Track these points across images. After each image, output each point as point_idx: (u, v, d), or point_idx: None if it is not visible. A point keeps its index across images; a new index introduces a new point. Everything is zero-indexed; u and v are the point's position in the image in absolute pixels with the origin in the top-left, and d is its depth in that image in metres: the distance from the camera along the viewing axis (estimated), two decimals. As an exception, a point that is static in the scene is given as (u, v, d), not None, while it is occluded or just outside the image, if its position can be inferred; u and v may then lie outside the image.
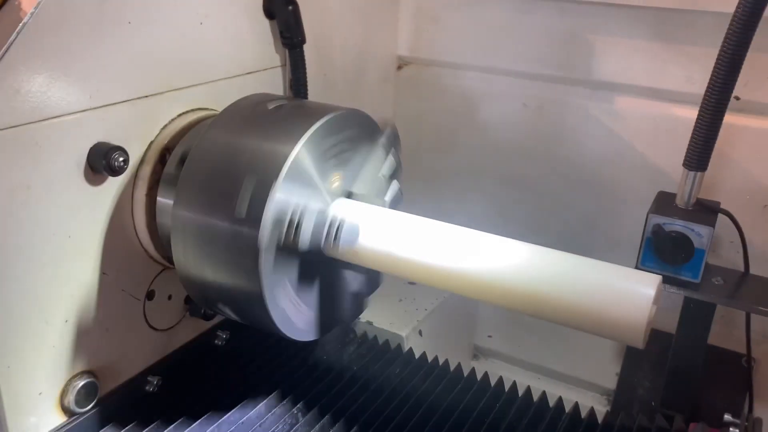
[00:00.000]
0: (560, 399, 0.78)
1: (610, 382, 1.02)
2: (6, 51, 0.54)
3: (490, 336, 1.12)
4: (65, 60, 0.58)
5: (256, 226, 0.57)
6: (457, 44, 1.03)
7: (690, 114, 0.89)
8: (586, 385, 1.06)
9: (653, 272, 0.81)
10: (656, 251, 0.79)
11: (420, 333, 0.93)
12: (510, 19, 0.98)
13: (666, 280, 0.80)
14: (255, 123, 0.63)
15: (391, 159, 0.69)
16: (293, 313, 0.64)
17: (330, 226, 0.63)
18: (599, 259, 0.99)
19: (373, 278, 0.71)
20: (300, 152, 0.59)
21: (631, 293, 0.53)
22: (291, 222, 0.60)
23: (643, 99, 0.93)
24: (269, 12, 0.79)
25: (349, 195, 0.67)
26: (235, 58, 0.76)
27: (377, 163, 0.68)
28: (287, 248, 0.60)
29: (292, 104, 0.66)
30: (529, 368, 1.10)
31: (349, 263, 0.65)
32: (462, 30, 1.02)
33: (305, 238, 0.61)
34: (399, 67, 1.09)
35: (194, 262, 0.63)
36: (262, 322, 0.63)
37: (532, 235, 1.03)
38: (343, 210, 0.64)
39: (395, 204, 0.68)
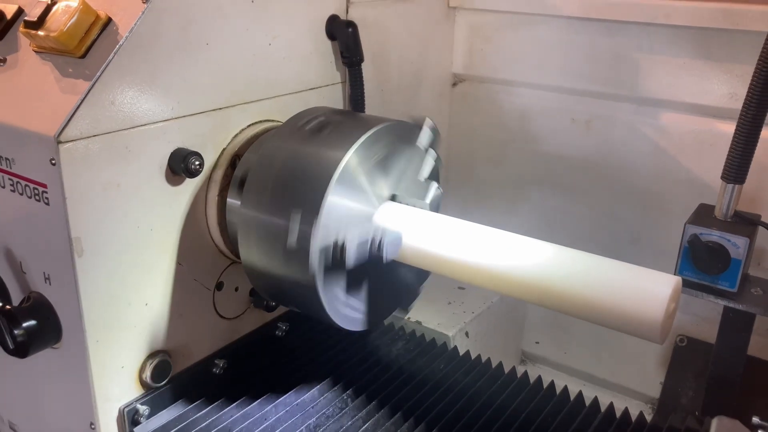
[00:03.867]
0: (611, 405, 0.81)
1: (655, 391, 1.05)
2: (105, 68, 0.63)
3: (537, 342, 1.16)
4: (153, 76, 0.67)
5: (306, 257, 0.65)
6: (509, 62, 1.09)
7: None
8: (630, 392, 1.08)
9: (690, 281, 0.84)
10: (693, 260, 0.82)
11: (467, 334, 0.98)
12: (559, 38, 1.03)
13: (703, 289, 0.83)
14: (309, 136, 0.70)
15: (429, 161, 0.74)
16: (348, 308, 0.71)
17: (373, 240, 0.70)
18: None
19: (420, 273, 0.77)
20: (350, 160, 0.66)
21: (649, 291, 0.57)
22: (335, 245, 0.67)
23: (687, 115, 0.96)
24: (331, 34, 0.87)
25: (393, 198, 0.73)
26: (299, 75, 0.84)
27: (417, 166, 0.74)
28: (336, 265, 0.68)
29: (340, 119, 0.73)
30: (574, 374, 1.13)
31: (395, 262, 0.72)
32: (514, 48, 1.08)
33: (350, 256, 0.68)
34: (454, 84, 1.15)
35: (257, 258, 0.71)
36: (319, 315, 0.70)
37: (578, 245, 1.08)
38: (385, 218, 0.70)
39: (436, 204, 0.74)
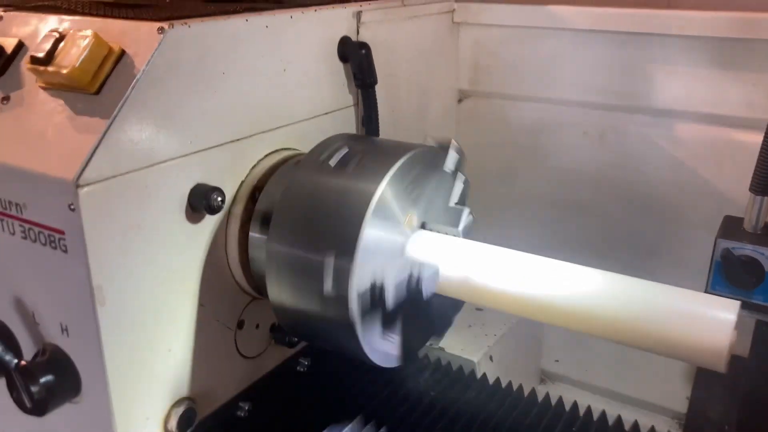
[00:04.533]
0: (636, 423, 0.80)
1: (681, 406, 1.03)
2: (123, 104, 0.59)
3: (557, 360, 1.14)
4: (170, 110, 0.64)
5: (344, 303, 0.61)
6: (516, 76, 1.07)
7: (751, 138, 0.91)
8: (656, 408, 1.06)
9: (724, 296, 0.83)
10: (726, 276, 0.80)
11: (491, 358, 0.95)
12: (569, 51, 1.01)
13: (737, 304, 0.81)
14: (336, 168, 0.67)
15: (459, 185, 0.72)
16: (384, 345, 0.68)
17: (410, 276, 0.67)
18: (665, 283, 1.01)
19: (456, 303, 0.74)
20: (385, 189, 0.63)
21: (713, 318, 0.55)
22: (374, 286, 0.64)
23: (703, 125, 0.95)
24: (343, 56, 0.84)
25: (423, 226, 0.70)
26: (313, 100, 0.81)
27: (447, 192, 0.72)
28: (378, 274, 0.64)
29: (365, 147, 0.70)
30: (597, 392, 1.11)
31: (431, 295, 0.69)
32: (521, 62, 1.06)
33: (389, 297, 0.65)
34: (460, 100, 1.13)
35: (288, 298, 0.67)
36: (356, 355, 0.67)
37: (595, 261, 1.05)
38: (419, 250, 0.67)
39: (468, 230, 0.72)
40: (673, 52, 0.93)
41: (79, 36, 0.61)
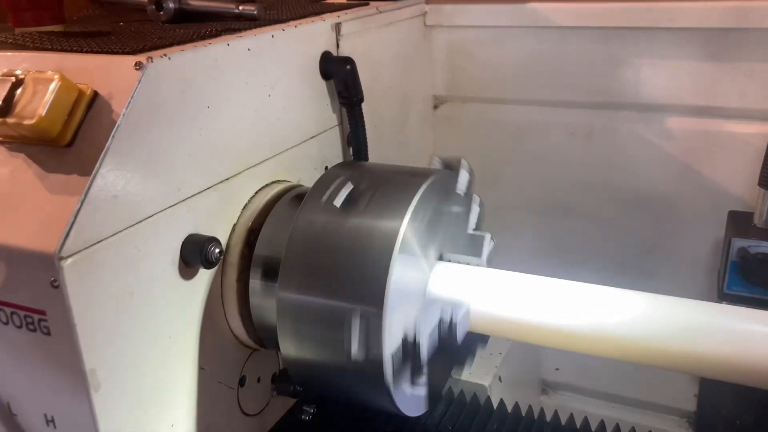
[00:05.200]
0: (633, 429, 0.76)
1: (690, 404, 1.01)
2: (104, 156, 0.50)
3: (557, 369, 1.10)
4: (155, 156, 0.55)
5: (379, 301, 0.55)
6: (495, 78, 1.02)
7: (745, 129, 0.89)
8: (664, 409, 1.04)
9: (741, 295, 0.80)
10: (743, 275, 0.78)
11: (500, 379, 0.90)
12: (549, 49, 0.97)
13: (756, 303, 0.79)
14: (345, 207, 0.60)
15: (475, 208, 0.66)
16: (413, 393, 0.62)
17: (441, 322, 0.61)
18: (664, 280, 0.99)
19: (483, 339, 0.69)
20: (407, 227, 0.57)
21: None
22: (406, 341, 0.58)
23: (694, 118, 0.92)
24: (325, 73, 0.76)
25: (441, 257, 0.64)
26: (299, 124, 0.74)
27: (461, 216, 0.66)
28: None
29: (374, 179, 0.64)
30: (601, 398, 1.08)
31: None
32: (498, 64, 1.01)
33: (424, 350, 0.59)
34: (435, 107, 1.07)
35: (304, 344, 0.60)
36: (378, 402, 0.61)
37: (590, 263, 1.03)
38: (443, 286, 0.61)
39: (491, 258, 0.66)
40: (660, 46, 0.90)
41: (41, 78, 0.51)
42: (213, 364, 0.65)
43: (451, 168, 0.68)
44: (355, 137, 0.80)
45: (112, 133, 0.51)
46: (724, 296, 0.80)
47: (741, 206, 0.87)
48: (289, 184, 0.71)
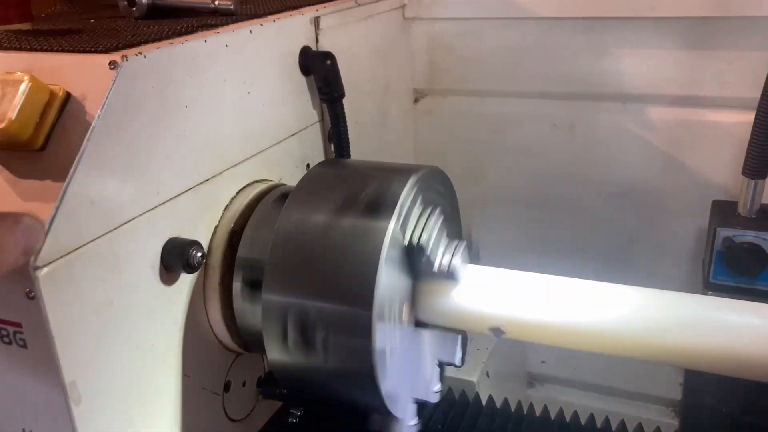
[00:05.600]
0: (623, 422, 0.76)
1: (675, 393, 1.01)
2: (78, 162, 0.48)
3: (543, 362, 1.10)
4: (133, 158, 0.53)
5: (368, 300, 0.53)
6: (476, 71, 1.00)
7: (726, 118, 0.89)
8: (649, 398, 1.04)
9: (726, 285, 0.80)
10: (728, 264, 0.78)
11: (487, 374, 0.90)
12: (531, 40, 0.96)
13: (742, 293, 0.79)
14: (338, 196, 0.59)
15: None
16: (397, 389, 0.61)
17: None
18: (648, 272, 0.99)
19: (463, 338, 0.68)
20: (395, 226, 0.55)
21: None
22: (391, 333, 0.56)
23: (676, 107, 0.92)
24: (305, 68, 0.75)
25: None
26: (279, 122, 0.72)
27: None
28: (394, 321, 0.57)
29: (367, 170, 0.63)
30: (587, 389, 1.08)
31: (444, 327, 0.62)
32: (479, 56, 1.00)
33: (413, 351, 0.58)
34: (416, 100, 1.06)
35: (291, 347, 0.58)
36: (367, 402, 0.59)
37: (574, 256, 1.02)
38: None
39: (476, 255, 0.65)
40: (642, 35, 0.89)
41: (10, 80, 0.49)
42: (197, 370, 0.63)
43: None
44: (336, 134, 0.78)
45: (87, 136, 0.49)
46: (709, 286, 0.80)
47: (724, 196, 0.88)
48: (270, 183, 0.69)
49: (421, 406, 0.66)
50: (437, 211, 0.61)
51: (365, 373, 0.55)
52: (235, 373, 0.68)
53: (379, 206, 0.56)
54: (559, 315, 0.55)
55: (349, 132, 0.80)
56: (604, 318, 0.53)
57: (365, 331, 0.54)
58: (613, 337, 0.53)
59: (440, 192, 0.65)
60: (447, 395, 0.82)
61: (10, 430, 0.54)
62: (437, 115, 1.05)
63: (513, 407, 0.80)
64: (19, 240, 0.43)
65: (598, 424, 0.78)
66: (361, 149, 0.89)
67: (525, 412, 0.79)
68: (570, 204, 1.00)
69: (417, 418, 0.65)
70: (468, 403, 0.81)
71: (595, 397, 1.06)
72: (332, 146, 0.79)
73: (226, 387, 0.68)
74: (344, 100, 0.79)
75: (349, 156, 0.79)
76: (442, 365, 0.69)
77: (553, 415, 0.78)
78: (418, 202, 0.59)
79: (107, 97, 0.50)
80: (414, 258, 0.58)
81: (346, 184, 0.60)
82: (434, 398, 0.65)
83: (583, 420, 0.77)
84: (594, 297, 0.55)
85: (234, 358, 0.68)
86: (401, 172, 0.60)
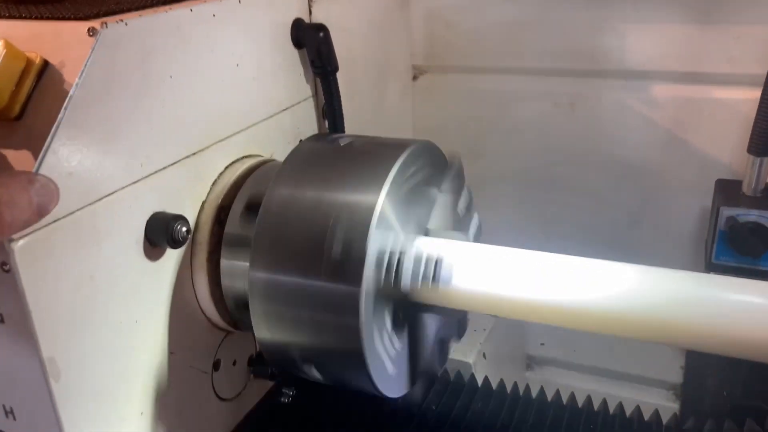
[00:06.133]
0: (621, 405, 0.75)
1: (676, 376, 1.00)
2: (56, 129, 0.47)
3: (542, 344, 1.09)
4: (114, 129, 0.51)
5: (357, 275, 0.52)
6: (476, 47, 0.98)
7: (733, 95, 0.87)
8: (650, 381, 1.03)
9: (729, 265, 0.78)
10: (731, 244, 0.76)
11: (484, 356, 0.88)
12: (530, 15, 0.93)
13: (745, 273, 0.77)
14: (328, 169, 0.57)
15: (466, 192, 0.64)
16: (387, 368, 0.59)
17: (426, 266, 0.58)
18: (650, 252, 0.97)
19: (461, 323, 0.66)
20: (385, 197, 0.54)
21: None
22: (389, 267, 0.55)
23: (681, 84, 0.90)
24: (297, 41, 0.73)
25: (426, 233, 0.62)
26: (271, 96, 0.70)
27: (451, 198, 0.63)
28: (383, 297, 0.55)
29: (357, 144, 0.61)
30: (587, 371, 1.07)
31: (439, 308, 0.60)
32: (478, 31, 0.97)
33: (405, 283, 0.56)
34: (414, 77, 1.04)
35: (279, 325, 0.57)
36: (357, 381, 0.58)
37: (574, 236, 1.00)
38: (432, 249, 0.58)
39: (477, 239, 0.64)
40: (646, 9, 0.87)
41: (-19, 46, 0.47)
42: (184, 348, 0.62)
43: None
44: (330, 109, 0.76)
45: (65, 105, 0.47)
46: (711, 266, 0.78)
47: (729, 175, 0.85)
48: (261, 158, 0.67)
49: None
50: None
51: (353, 353, 0.54)
52: (225, 351, 0.67)
53: (369, 180, 0.55)
54: (553, 293, 0.53)
55: (344, 108, 0.79)
56: (599, 296, 0.51)
57: (353, 309, 0.52)
58: (608, 315, 0.51)
59: (436, 167, 0.63)
60: (442, 376, 0.81)
61: (-9, 406, 0.53)
62: (436, 92, 1.03)
63: (509, 389, 0.78)
64: (32, 199, 0.42)
65: (596, 407, 0.76)
66: (358, 126, 0.87)
67: (521, 394, 0.78)
68: (571, 183, 0.98)
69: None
70: (463, 384, 0.79)
71: (594, 379, 1.05)
72: (326, 122, 0.78)
73: (216, 366, 0.66)
74: (339, 75, 0.77)
75: (343, 131, 0.78)
76: (443, 341, 0.68)
77: (549, 397, 0.77)
78: (410, 175, 0.57)
79: (85, 66, 0.48)
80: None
81: (335, 158, 0.59)
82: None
83: (580, 402, 0.76)
84: (590, 274, 0.54)
85: (224, 337, 0.67)
86: (393, 146, 0.59)
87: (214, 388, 0.67)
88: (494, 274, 0.56)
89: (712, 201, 0.83)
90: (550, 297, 0.54)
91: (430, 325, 0.64)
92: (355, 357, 0.54)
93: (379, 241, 0.53)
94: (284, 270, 0.55)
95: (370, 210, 0.53)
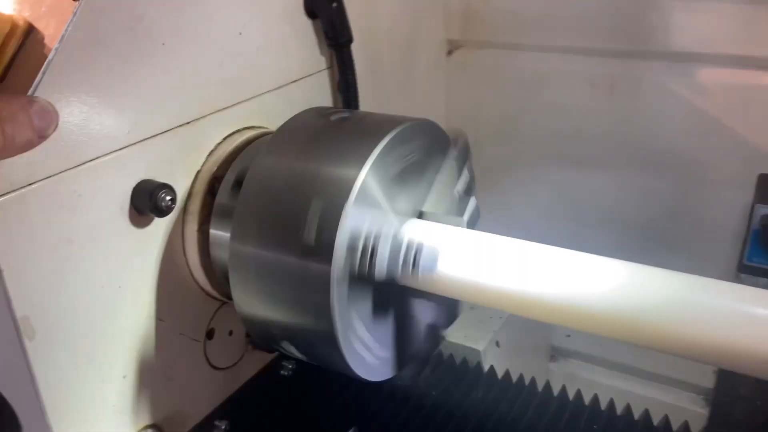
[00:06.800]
0: (647, 411, 0.71)
1: (707, 381, 0.94)
2: (34, 91, 0.47)
3: (568, 336, 1.05)
4: (99, 94, 0.52)
5: (328, 254, 0.50)
6: (514, 22, 0.94)
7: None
8: (679, 384, 0.97)
9: (761, 267, 0.73)
10: (765, 245, 0.70)
11: (497, 344, 0.86)
12: (572, -10, 0.88)
13: (777, 277, 0.71)
14: (314, 144, 0.56)
15: (465, 173, 0.61)
16: (366, 351, 0.58)
17: (407, 251, 0.56)
18: (687, 247, 0.91)
19: (451, 308, 0.64)
20: (368, 174, 0.52)
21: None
22: (365, 249, 0.53)
23: (729, 69, 0.83)
24: (311, 11, 0.71)
25: (420, 215, 0.60)
26: (278, 67, 0.69)
27: (450, 179, 0.61)
28: (361, 279, 0.54)
29: (352, 119, 0.59)
30: (613, 368, 1.02)
31: (426, 293, 0.58)
32: (518, 6, 0.93)
33: (381, 266, 0.54)
34: (449, 52, 1.00)
35: (257, 300, 0.57)
36: (333, 362, 0.57)
37: (606, 226, 0.96)
38: (418, 233, 0.57)
39: (473, 223, 0.61)
40: (694, -13, 0.81)
41: (-31, 9, 0.48)
42: (174, 315, 0.62)
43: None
44: (344, 83, 0.75)
45: (42, 69, 0.48)
46: (742, 268, 0.73)
47: (777, 169, 0.79)
48: (262, 130, 0.67)
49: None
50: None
51: (327, 335, 0.53)
52: (221, 321, 0.68)
53: (353, 156, 0.53)
54: (534, 285, 0.50)
55: (363, 81, 0.77)
56: (581, 291, 0.48)
57: (324, 288, 0.51)
58: (588, 312, 0.48)
59: (438, 147, 0.60)
60: (448, 361, 0.79)
61: (-22, 359, 0.55)
62: (471, 69, 0.99)
63: (514, 379, 0.76)
64: (32, 119, 0.44)
65: (617, 410, 0.72)
66: (382, 102, 0.85)
67: (526, 385, 0.75)
68: (606, 170, 0.93)
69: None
70: (467, 372, 0.77)
71: (620, 377, 1.00)
72: (341, 97, 0.76)
73: (209, 334, 0.67)
74: (360, 48, 0.75)
75: (357, 106, 0.76)
76: (434, 326, 0.66)
77: (565, 393, 0.74)
78: (399, 153, 0.55)
79: (66, 30, 0.48)
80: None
81: (326, 132, 0.57)
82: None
83: (587, 400, 0.72)
84: (577, 268, 0.51)
85: (219, 306, 0.67)
86: (388, 123, 0.56)
87: (206, 356, 0.67)
88: (475, 262, 0.53)
89: (753, 197, 0.77)
90: (530, 289, 0.51)
91: (419, 309, 0.62)
92: (329, 339, 0.53)
93: (357, 220, 0.52)
94: (262, 244, 0.54)
95: (350, 185, 0.51)
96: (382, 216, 0.55)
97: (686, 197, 0.89)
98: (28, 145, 0.44)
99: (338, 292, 0.51)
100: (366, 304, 0.56)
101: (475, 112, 1.00)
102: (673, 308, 0.46)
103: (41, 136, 0.45)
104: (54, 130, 0.46)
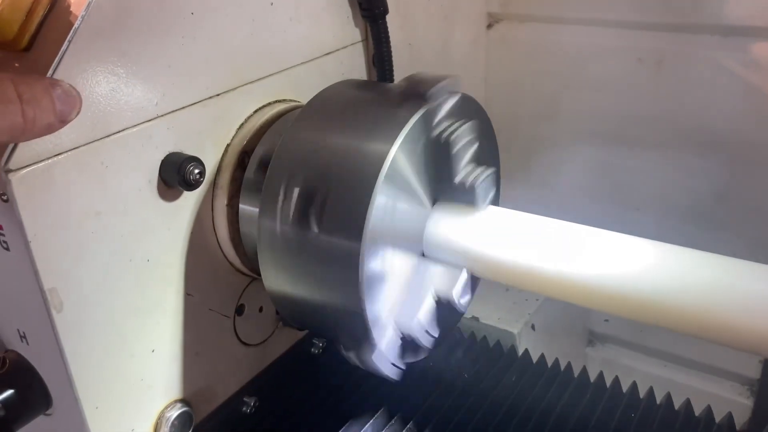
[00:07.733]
0: (688, 401, 0.68)
1: (753, 371, 0.90)
2: (59, 62, 0.46)
3: (606, 320, 1.02)
4: (126, 65, 0.51)
5: (358, 230, 0.49)
6: (556, -7, 0.90)
7: None
8: (723, 373, 0.94)
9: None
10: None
11: (533, 327, 0.84)
12: (619, -40, 0.84)
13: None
14: (344, 117, 0.54)
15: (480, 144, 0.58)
16: (392, 331, 0.57)
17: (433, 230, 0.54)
18: (735, 232, 0.87)
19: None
20: (398, 150, 0.50)
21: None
22: (393, 225, 0.52)
23: (788, 43, 0.78)
24: (346, -19, 0.69)
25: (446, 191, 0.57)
26: (310, 38, 0.67)
27: (470, 152, 0.58)
28: (389, 255, 0.52)
29: (382, 91, 0.57)
30: (653, 354, 0.99)
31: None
32: (561, -23, 0.89)
33: (408, 243, 0.52)
34: (489, 26, 0.97)
35: (285, 277, 0.56)
36: (359, 342, 0.56)
37: (650, 208, 0.92)
38: (445, 216, 0.55)
39: (495, 196, 0.58)
40: (751, -45, 0.76)
41: (-4, -24, 0.48)
42: (203, 290, 0.62)
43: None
44: (378, 55, 0.73)
45: (68, 38, 0.47)
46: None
47: (833, 151, 0.74)
48: (293, 103, 0.65)
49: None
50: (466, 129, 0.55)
51: (353, 311, 0.52)
52: (251, 297, 0.67)
53: (383, 131, 0.51)
54: (561, 264, 0.48)
55: (399, 54, 0.75)
56: (609, 272, 0.46)
57: (353, 262, 0.50)
58: (612, 293, 0.46)
59: (471, 124, 0.58)
60: (481, 342, 0.78)
61: (9, 328, 0.55)
62: (512, 43, 0.96)
63: (551, 363, 0.74)
64: (55, 102, 0.43)
65: (658, 400, 0.70)
66: (418, 76, 0.82)
67: (562, 369, 0.73)
68: (652, 150, 0.89)
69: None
70: (502, 354, 0.75)
71: (660, 364, 0.97)
72: (375, 69, 0.74)
73: (239, 310, 0.66)
74: (394, 19, 0.73)
75: (392, 80, 0.74)
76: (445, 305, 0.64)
77: (592, 378, 0.72)
78: (435, 128, 0.53)
79: (93, -2, 0.47)
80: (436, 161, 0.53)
81: (357, 105, 0.55)
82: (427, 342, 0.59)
83: (624, 388, 0.70)
84: (607, 249, 0.48)
85: (249, 282, 0.66)
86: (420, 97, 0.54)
87: (236, 332, 0.67)
88: (505, 241, 0.51)
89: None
90: (564, 269, 0.49)
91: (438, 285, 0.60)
92: (356, 319, 0.52)
93: (387, 195, 0.50)
94: (289, 219, 0.53)
95: (381, 161, 0.50)
96: (411, 191, 0.53)
97: (736, 179, 0.85)
98: (49, 129, 0.44)
99: (368, 269, 0.50)
100: (395, 281, 0.54)
101: (515, 89, 0.97)
102: (718, 293, 0.43)
103: (62, 121, 0.44)
104: (76, 115, 0.45)
